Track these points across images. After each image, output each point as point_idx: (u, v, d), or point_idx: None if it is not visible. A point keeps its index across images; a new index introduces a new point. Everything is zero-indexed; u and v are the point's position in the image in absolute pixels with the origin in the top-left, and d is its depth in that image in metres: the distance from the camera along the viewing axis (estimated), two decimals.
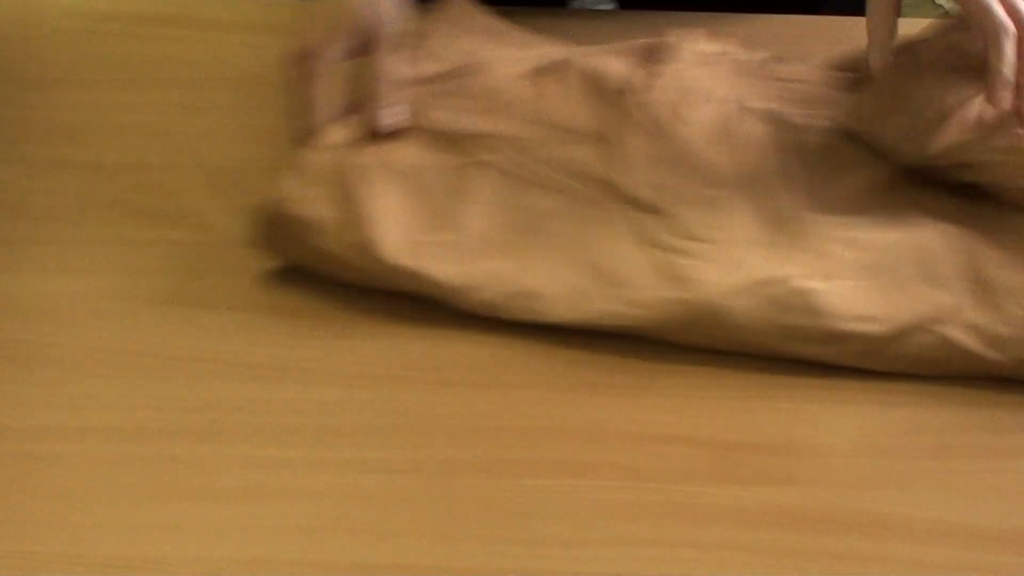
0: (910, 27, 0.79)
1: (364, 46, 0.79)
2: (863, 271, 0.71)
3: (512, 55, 0.82)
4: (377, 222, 0.72)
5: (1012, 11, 0.72)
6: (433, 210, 0.74)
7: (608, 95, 0.78)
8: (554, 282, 0.71)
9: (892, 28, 0.78)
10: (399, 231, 0.73)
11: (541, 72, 0.80)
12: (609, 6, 1.04)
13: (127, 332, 0.73)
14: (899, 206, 0.74)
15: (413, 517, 0.64)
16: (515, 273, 0.72)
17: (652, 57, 0.80)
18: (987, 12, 0.71)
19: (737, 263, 0.71)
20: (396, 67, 0.79)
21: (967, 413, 0.70)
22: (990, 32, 0.71)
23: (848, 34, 0.84)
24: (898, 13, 0.77)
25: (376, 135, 0.77)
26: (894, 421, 0.69)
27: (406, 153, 0.76)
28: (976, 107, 0.72)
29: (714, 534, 0.64)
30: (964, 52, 0.74)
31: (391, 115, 0.78)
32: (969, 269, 0.71)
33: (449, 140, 0.77)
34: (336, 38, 0.78)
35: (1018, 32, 0.71)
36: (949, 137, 0.72)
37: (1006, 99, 0.71)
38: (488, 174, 0.75)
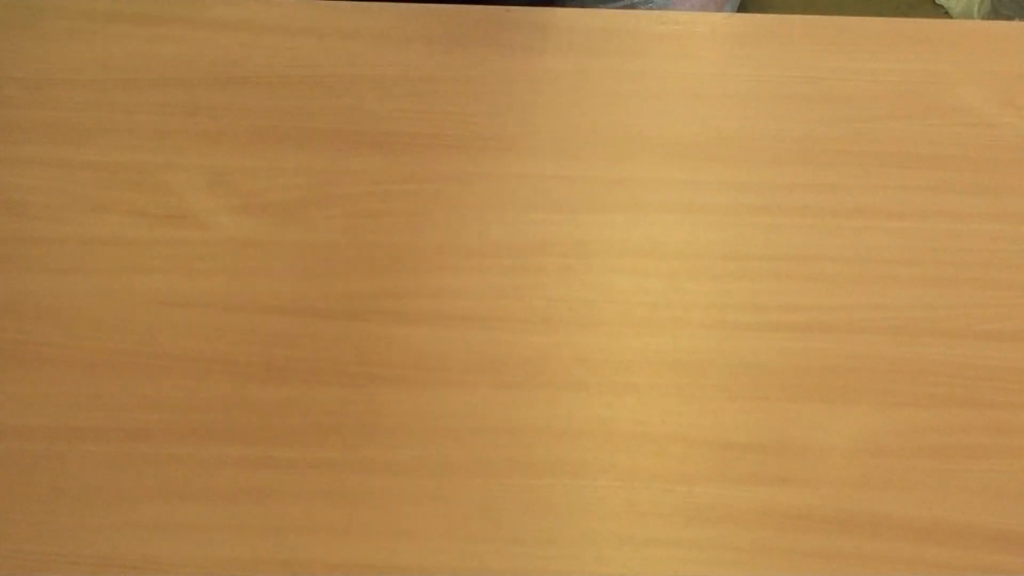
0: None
1: None
2: None
3: None
4: None
5: None
6: None
7: None
8: None
9: None
10: None
11: None
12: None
13: (126, 332, 0.73)
14: None
15: (412, 517, 0.64)
16: None
17: None
18: None
19: None
20: None
21: (967, 413, 0.70)
22: None
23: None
24: None
25: None
26: (894, 421, 0.69)
27: None
28: None
29: (713, 534, 0.64)
30: None
31: None
32: None
33: None
34: None
35: None
36: None
37: None
38: None
